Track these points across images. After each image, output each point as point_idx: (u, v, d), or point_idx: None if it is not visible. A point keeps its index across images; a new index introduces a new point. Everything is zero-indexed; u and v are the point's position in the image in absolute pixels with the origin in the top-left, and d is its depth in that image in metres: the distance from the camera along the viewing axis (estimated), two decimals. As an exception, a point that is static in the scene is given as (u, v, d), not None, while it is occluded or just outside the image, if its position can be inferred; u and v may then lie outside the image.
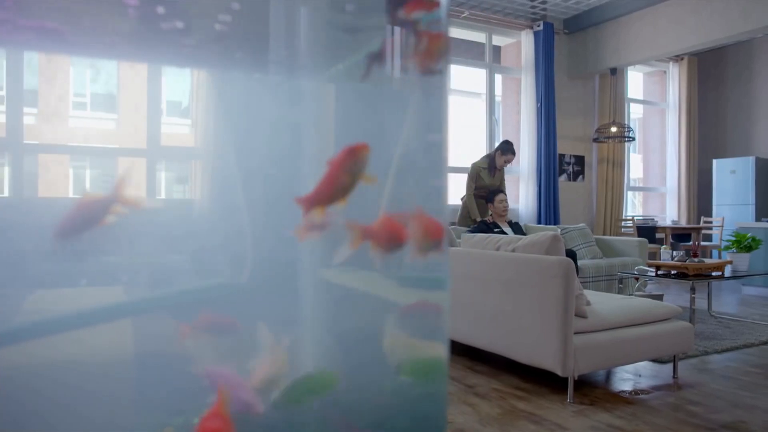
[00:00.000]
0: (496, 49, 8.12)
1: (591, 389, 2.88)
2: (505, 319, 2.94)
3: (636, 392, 2.86)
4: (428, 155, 0.98)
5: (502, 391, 2.84)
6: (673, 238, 8.23)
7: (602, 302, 3.07)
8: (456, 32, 7.64)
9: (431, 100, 0.95)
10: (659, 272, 4.22)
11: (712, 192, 8.34)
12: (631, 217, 7.90)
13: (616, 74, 7.90)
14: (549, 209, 7.43)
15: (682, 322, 3.10)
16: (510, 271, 2.92)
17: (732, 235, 4.71)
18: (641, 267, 4.41)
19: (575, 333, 2.70)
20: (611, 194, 8.15)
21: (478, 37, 7.72)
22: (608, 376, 3.14)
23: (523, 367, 3.15)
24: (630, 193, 9.58)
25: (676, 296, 5.89)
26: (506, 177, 7.86)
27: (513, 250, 3.01)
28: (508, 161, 5.63)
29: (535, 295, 2.76)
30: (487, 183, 5.52)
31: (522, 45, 7.63)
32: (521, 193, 7.60)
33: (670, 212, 8.90)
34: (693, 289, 3.89)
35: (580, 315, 2.77)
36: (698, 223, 8.61)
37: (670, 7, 6.84)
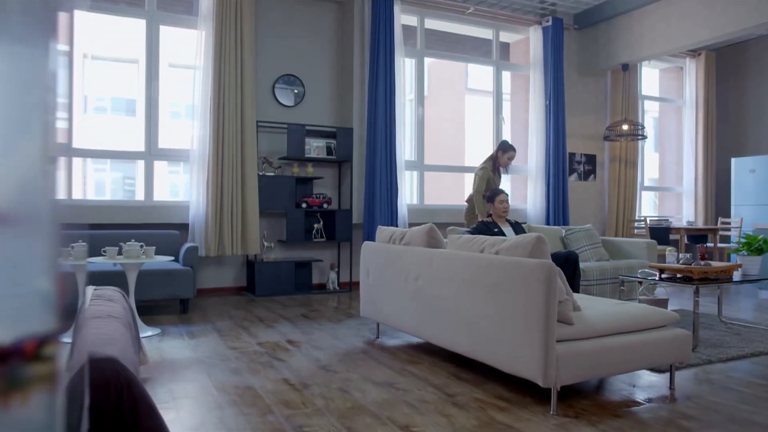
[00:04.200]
0: (505, 46, 7.94)
1: (578, 400, 2.71)
2: (487, 325, 2.79)
3: (627, 404, 2.69)
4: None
5: (483, 401, 2.70)
6: (688, 240, 7.96)
7: (593, 307, 2.90)
8: (461, 29, 7.49)
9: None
10: (663, 276, 4.02)
11: (730, 192, 8.04)
12: (643, 218, 7.64)
13: (628, 70, 7.66)
14: (558, 209, 7.23)
15: (679, 330, 2.91)
16: (491, 274, 2.77)
17: (743, 237, 4.48)
18: (644, 270, 4.21)
19: (559, 341, 2.54)
20: (624, 194, 7.91)
21: (485, 33, 7.55)
22: (600, 385, 2.97)
23: (509, 376, 3.00)
24: (651, 194, 9.31)
25: (687, 300, 5.65)
26: (514, 176, 7.72)
27: (497, 252, 2.86)
28: (512, 158, 5.60)
29: (516, 300, 2.61)
30: (493, 185, 5.49)
31: (530, 41, 7.44)
32: (529, 193, 7.41)
33: (687, 213, 8.61)
34: (697, 293, 3.68)
35: (566, 321, 2.61)
36: (716, 224, 8.31)
37: (683, 1, 6.59)
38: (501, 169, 5.62)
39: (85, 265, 4.22)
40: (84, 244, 4.10)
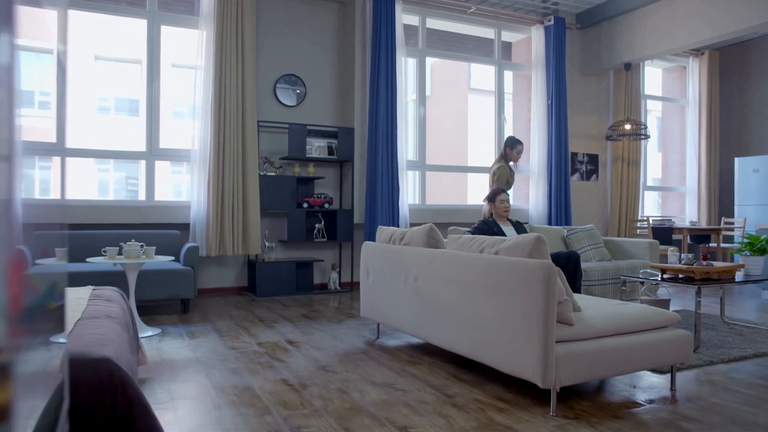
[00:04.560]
0: (507, 46, 7.92)
1: (578, 401, 2.70)
2: (486, 325, 2.78)
3: (627, 405, 2.67)
4: None
5: (482, 402, 2.68)
6: (691, 240, 7.93)
7: (594, 308, 2.88)
8: (463, 28, 7.47)
9: None
10: (665, 276, 4.00)
11: (734, 191, 8.00)
12: (646, 218, 7.61)
13: (630, 69, 7.63)
14: (560, 209, 7.20)
15: (679, 331, 2.89)
16: (490, 275, 2.75)
17: (745, 237, 4.45)
18: (646, 270, 4.19)
19: (559, 341, 2.53)
20: (626, 194, 7.88)
21: (487, 33, 7.53)
22: (600, 386, 2.95)
23: (509, 377, 2.98)
24: (655, 193, 9.28)
25: (690, 301, 5.62)
26: (516, 176, 7.70)
27: (496, 253, 2.85)
28: (521, 152, 5.75)
29: (515, 301, 2.59)
30: (510, 179, 5.71)
31: (532, 41, 7.42)
32: (531, 193, 7.39)
33: (690, 213, 8.58)
34: (698, 294, 3.65)
35: (565, 322, 2.59)
36: (719, 224, 8.27)
37: (686, 0, 6.56)
38: (512, 165, 5.74)
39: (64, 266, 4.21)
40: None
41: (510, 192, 5.74)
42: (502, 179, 5.56)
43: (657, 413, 2.57)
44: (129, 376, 1.67)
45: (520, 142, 5.73)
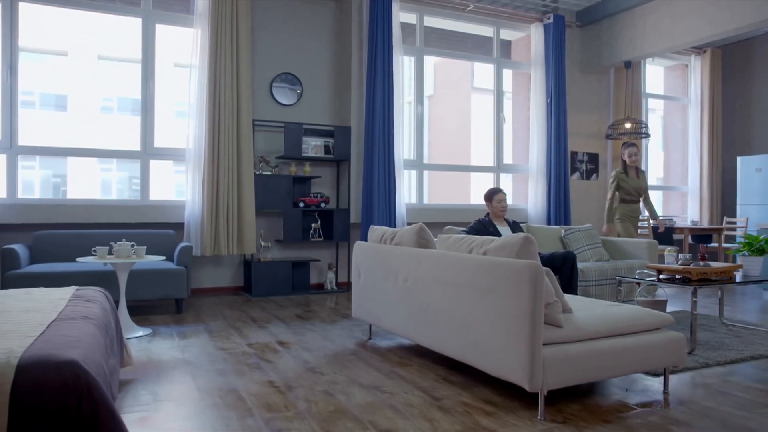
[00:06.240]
0: (506, 44, 7.86)
1: (568, 404, 2.64)
2: (473, 327, 2.73)
3: (618, 409, 2.61)
4: None
5: (470, 405, 2.63)
6: (692, 240, 7.86)
7: (586, 309, 2.82)
8: (462, 26, 7.42)
9: None
10: (661, 276, 3.93)
11: (736, 191, 7.91)
12: (646, 218, 7.53)
13: (631, 68, 7.56)
14: (559, 209, 7.14)
15: (673, 333, 2.83)
16: (478, 275, 2.70)
17: (744, 237, 4.38)
18: (642, 271, 4.12)
19: (547, 344, 2.47)
20: (627, 193, 7.78)
21: (485, 31, 7.47)
22: (593, 389, 2.89)
23: (499, 380, 2.93)
24: (659, 193, 9.19)
25: (689, 302, 5.54)
26: (515, 176, 7.65)
27: (485, 253, 2.79)
28: (633, 153, 5.95)
29: (502, 302, 2.54)
30: (631, 185, 5.97)
31: (532, 39, 7.35)
32: (530, 193, 7.33)
33: (692, 212, 8.49)
34: (695, 294, 3.59)
35: (554, 324, 2.54)
36: (721, 223, 8.19)
37: (687, -4, 6.48)
38: (629, 168, 6.00)
39: None
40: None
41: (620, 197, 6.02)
42: (612, 187, 5.97)
43: (648, 417, 2.51)
44: (96, 380, 1.63)
45: (631, 145, 5.97)
